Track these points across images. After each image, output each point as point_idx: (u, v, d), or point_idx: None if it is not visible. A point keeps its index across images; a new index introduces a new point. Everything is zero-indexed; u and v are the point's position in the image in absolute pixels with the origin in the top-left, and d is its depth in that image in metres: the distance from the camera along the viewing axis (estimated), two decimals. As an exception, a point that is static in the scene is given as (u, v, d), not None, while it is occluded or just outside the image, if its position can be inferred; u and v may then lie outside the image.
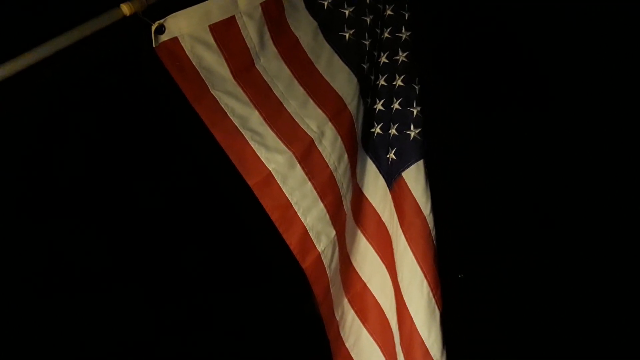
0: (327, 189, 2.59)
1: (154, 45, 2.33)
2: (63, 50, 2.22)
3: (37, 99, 2.97)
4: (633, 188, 3.79)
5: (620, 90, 3.68)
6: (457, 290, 3.10)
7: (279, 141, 2.50)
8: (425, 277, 2.65)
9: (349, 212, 2.72)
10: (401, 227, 2.69)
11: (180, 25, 2.36)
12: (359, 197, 2.75)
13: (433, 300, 2.66)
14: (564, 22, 3.61)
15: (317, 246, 2.61)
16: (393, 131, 2.71)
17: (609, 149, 3.75)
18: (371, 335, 2.83)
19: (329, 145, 2.58)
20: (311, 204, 2.57)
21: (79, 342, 3.30)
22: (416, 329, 2.66)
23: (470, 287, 3.71)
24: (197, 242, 3.48)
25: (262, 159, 2.48)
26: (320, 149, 2.57)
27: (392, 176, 2.72)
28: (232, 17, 2.42)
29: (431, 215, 2.68)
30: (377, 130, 2.74)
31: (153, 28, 2.32)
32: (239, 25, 2.44)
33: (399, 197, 2.71)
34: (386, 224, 2.77)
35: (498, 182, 3.74)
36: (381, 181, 2.75)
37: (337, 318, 2.82)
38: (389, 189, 2.74)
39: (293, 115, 2.54)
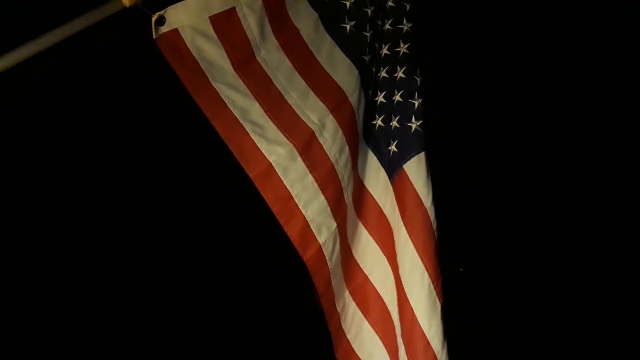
0: (328, 181, 2.59)
1: (154, 37, 2.33)
2: (63, 41, 2.22)
3: (37, 90, 2.97)
4: (632, 185, 3.78)
5: (619, 86, 3.67)
6: (458, 284, 3.09)
7: (280, 133, 2.50)
8: (427, 269, 2.65)
9: (350, 204, 2.71)
10: (402, 219, 2.68)
11: (180, 17, 2.35)
12: (360, 190, 2.75)
13: (434, 293, 2.66)
14: (565, 18, 3.59)
15: (318, 238, 2.60)
16: (394, 123, 2.71)
17: (608, 145, 3.74)
18: (372, 327, 2.83)
19: (330, 138, 2.58)
20: (312, 196, 2.57)
21: (83, 337, 3.30)
22: (417, 320, 2.65)
23: (470, 281, 3.71)
24: (197, 235, 3.48)
25: (262, 151, 2.48)
26: (321, 141, 2.56)
27: (393, 168, 2.71)
28: (233, 9, 2.42)
29: (432, 208, 2.67)
30: (379, 122, 2.73)
31: (153, 19, 2.32)
32: (240, 17, 2.43)
33: (400, 190, 2.70)
34: (387, 216, 2.76)
35: (498, 176, 3.73)
36: (382, 173, 2.75)
37: (339, 310, 2.82)
38: (390, 181, 2.73)
39: (294, 107, 2.53)
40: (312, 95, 2.55)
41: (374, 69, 2.68)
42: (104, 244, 3.32)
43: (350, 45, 2.59)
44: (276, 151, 2.49)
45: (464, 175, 3.69)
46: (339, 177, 2.62)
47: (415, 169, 2.67)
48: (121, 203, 3.31)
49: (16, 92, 2.61)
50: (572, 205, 3.80)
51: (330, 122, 2.57)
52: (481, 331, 3.63)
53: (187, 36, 2.36)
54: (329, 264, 2.67)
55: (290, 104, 2.53)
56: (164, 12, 2.33)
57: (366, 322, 2.84)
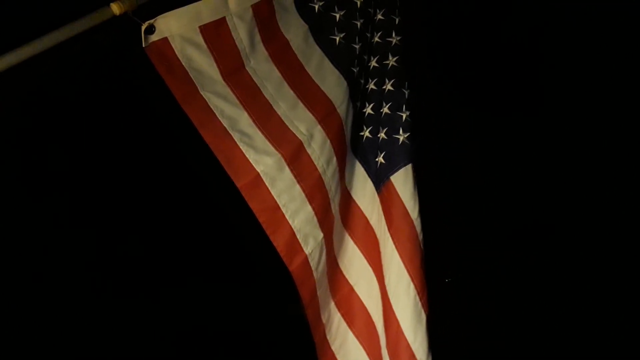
0: (315, 192, 2.59)
1: (143, 45, 2.32)
2: (52, 49, 2.21)
3: (25, 97, 2.96)
4: (629, 187, 3.81)
5: (615, 87, 3.71)
6: (444, 295, 3.11)
7: (268, 143, 2.50)
8: (412, 280, 2.66)
9: (337, 215, 2.72)
10: (389, 230, 2.69)
11: (170, 26, 2.35)
12: (347, 200, 2.75)
13: (419, 304, 2.67)
14: (556, 25, 3.63)
15: (304, 249, 2.60)
16: (382, 135, 2.72)
17: (604, 149, 3.78)
18: (357, 338, 2.83)
19: (318, 148, 2.58)
20: (299, 206, 2.57)
21: (70, 341, 3.28)
22: (402, 332, 2.66)
23: (457, 291, 3.72)
24: (183, 243, 3.47)
25: (250, 161, 2.48)
26: (309, 151, 2.57)
27: (380, 180, 2.73)
28: (223, 19, 2.42)
29: (419, 219, 2.69)
30: (366, 133, 2.74)
31: (143, 28, 2.31)
32: (230, 27, 2.43)
33: (387, 201, 2.71)
34: (374, 227, 2.77)
35: (489, 186, 3.76)
36: (370, 185, 2.76)
37: (324, 321, 2.81)
38: (377, 193, 2.74)
39: (282, 118, 2.54)
40: (300, 106, 2.56)
41: (362, 81, 2.70)
42: (94, 248, 3.31)
43: (339, 57, 2.60)
44: (264, 161, 2.49)
45: (452, 184, 3.71)
46: (327, 187, 2.63)
47: (403, 181, 2.68)
48: (111, 208, 3.29)
49: (3, 98, 2.59)
50: (565, 215, 3.84)
51: (319, 132, 2.58)
52: (467, 340, 3.64)
53: (176, 45, 2.36)
54: (314, 274, 2.67)
55: (279, 114, 2.53)
56: (154, 21, 2.32)
57: (351, 333, 2.84)
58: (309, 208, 2.58)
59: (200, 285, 3.50)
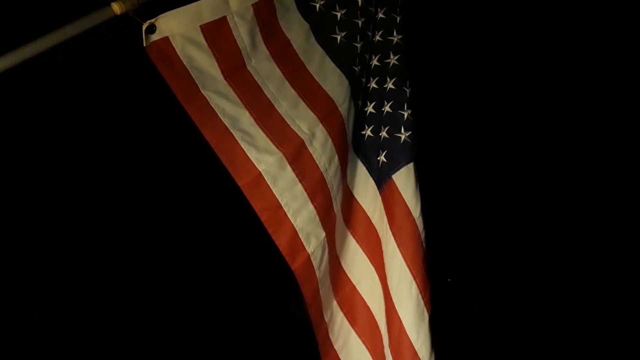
0: (317, 191, 2.59)
1: (144, 45, 2.33)
2: (53, 48, 2.21)
3: (25, 97, 2.96)
4: (629, 187, 3.81)
5: (615, 88, 3.71)
6: (446, 294, 3.11)
7: (270, 142, 2.50)
8: (414, 279, 2.66)
9: (339, 213, 2.71)
10: (391, 229, 2.69)
11: (171, 25, 2.35)
12: (349, 199, 2.75)
13: (422, 303, 2.67)
14: (557, 28, 3.63)
15: (306, 248, 2.60)
16: (384, 134, 2.72)
17: (602, 149, 3.78)
18: (360, 337, 2.83)
19: (320, 147, 2.58)
20: (301, 205, 2.57)
21: (71, 341, 3.28)
22: (405, 331, 2.66)
23: (459, 291, 3.72)
24: (185, 243, 3.47)
25: (252, 160, 2.48)
26: (310, 150, 2.57)
27: (382, 179, 2.72)
28: (224, 18, 2.42)
29: (421, 218, 2.69)
30: (368, 132, 2.74)
31: (144, 27, 2.31)
32: (230, 26, 2.43)
33: (389, 200, 2.71)
34: (376, 226, 2.77)
35: (491, 184, 3.76)
36: (371, 183, 2.75)
37: (326, 320, 2.81)
38: (379, 192, 2.74)
39: (284, 117, 2.54)
40: (302, 105, 2.56)
41: (364, 80, 2.70)
42: (95, 247, 3.31)
43: (340, 56, 2.60)
44: (266, 160, 2.49)
45: (454, 184, 3.71)
46: (328, 186, 2.63)
47: (404, 180, 2.68)
48: (111, 207, 3.29)
49: (4, 98, 2.60)
50: (564, 215, 3.83)
51: (320, 131, 2.58)
52: (469, 339, 3.64)
53: (177, 44, 2.36)
54: (317, 273, 2.67)
55: (280, 113, 2.53)
56: (155, 20, 2.32)
57: (353, 332, 2.84)
58: (310, 207, 2.58)
59: (202, 284, 3.50)
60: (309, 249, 2.61)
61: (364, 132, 2.74)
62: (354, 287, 2.82)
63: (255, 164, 2.48)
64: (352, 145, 2.72)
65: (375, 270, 2.78)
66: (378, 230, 2.76)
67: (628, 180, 3.81)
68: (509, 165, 3.77)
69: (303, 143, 2.55)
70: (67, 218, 3.22)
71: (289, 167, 2.52)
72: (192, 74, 2.39)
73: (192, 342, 3.56)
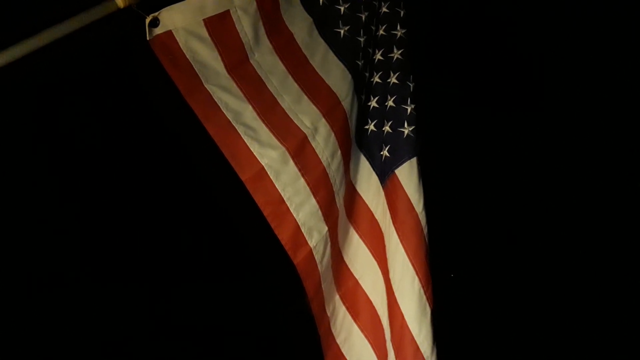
0: (320, 185, 2.59)
1: (147, 38, 2.33)
2: (57, 42, 2.21)
3: (30, 90, 2.96)
4: (630, 187, 3.80)
5: (617, 85, 3.70)
6: (449, 289, 3.10)
7: (273, 136, 2.50)
8: (417, 274, 2.66)
9: (341, 208, 2.71)
10: (393, 224, 2.69)
11: (174, 19, 2.35)
12: (351, 194, 2.75)
13: (424, 297, 2.67)
14: (560, 21, 3.62)
15: (308, 242, 2.60)
16: (387, 128, 2.71)
17: (604, 148, 3.77)
18: (362, 331, 2.83)
19: (323, 141, 2.58)
20: (304, 199, 2.57)
21: (72, 340, 3.29)
22: (407, 325, 2.66)
23: (461, 286, 3.71)
24: (187, 237, 3.48)
25: (255, 154, 2.48)
26: (313, 144, 2.57)
27: (385, 173, 2.72)
28: (227, 12, 2.42)
29: (423, 213, 2.68)
30: (371, 127, 2.74)
31: (147, 21, 2.32)
32: (234, 20, 2.43)
33: (391, 194, 2.71)
34: (379, 220, 2.77)
35: (494, 179, 3.75)
36: (374, 178, 2.75)
37: (328, 314, 2.82)
38: (382, 186, 2.74)
39: (287, 111, 2.54)
40: (305, 99, 2.56)
41: (367, 74, 2.69)
42: (94, 244, 3.31)
43: (344, 50, 2.60)
44: (268, 154, 2.49)
45: (457, 178, 3.70)
46: (331, 180, 2.63)
47: (407, 174, 2.68)
48: (112, 202, 3.29)
49: (9, 91, 2.60)
50: (566, 210, 3.83)
51: (323, 126, 2.58)
52: (472, 334, 3.64)
53: (180, 38, 2.36)
54: (319, 267, 2.67)
55: (284, 107, 2.53)
56: (158, 14, 2.33)
57: (356, 326, 2.84)
58: (313, 201, 2.59)
59: (204, 280, 3.50)
60: (311, 243, 2.61)
61: (367, 127, 2.74)
62: (356, 281, 2.82)
63: (258, 158, 2.48)
64: (355, 140, 2.72)
65: (378, 264, 2.78)
66: (381, 225, 2.76)
67: (631, 179, 3.80)
68: (513, 160, 3.76)
69: (306, 137, 2.55)
70: (67, 217, 3.22)
71: (291, 162, 2.52)
72: (195, 68, 2.39)
73: (194, 338, 3.57)
